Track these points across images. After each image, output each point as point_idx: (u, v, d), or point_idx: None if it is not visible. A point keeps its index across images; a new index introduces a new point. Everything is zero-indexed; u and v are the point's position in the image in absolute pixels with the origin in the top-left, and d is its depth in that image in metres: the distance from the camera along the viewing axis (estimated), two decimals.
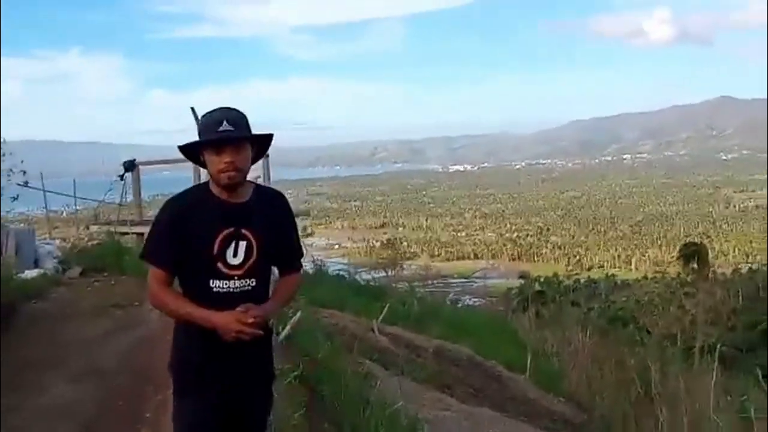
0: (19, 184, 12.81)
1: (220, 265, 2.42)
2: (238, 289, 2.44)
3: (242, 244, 2.45)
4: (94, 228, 16.13)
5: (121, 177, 14.88)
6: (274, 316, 2.70)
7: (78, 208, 18.55)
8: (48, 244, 12.72)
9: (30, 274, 10.19)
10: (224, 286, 2.43)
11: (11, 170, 11.84)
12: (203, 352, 2.47)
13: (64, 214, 20.80)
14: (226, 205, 2.47)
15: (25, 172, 12.59)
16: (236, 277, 2.44)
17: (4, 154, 11.80)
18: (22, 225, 15.60)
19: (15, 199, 12.61)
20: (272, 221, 2.54)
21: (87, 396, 5.17)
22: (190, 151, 2.51)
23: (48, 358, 6.19)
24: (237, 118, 2.42)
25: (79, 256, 12.05)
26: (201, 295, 2.43)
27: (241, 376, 2.51)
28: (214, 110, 2.45)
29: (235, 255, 2.44)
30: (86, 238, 15.20)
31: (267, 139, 2.59)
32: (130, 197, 15.35)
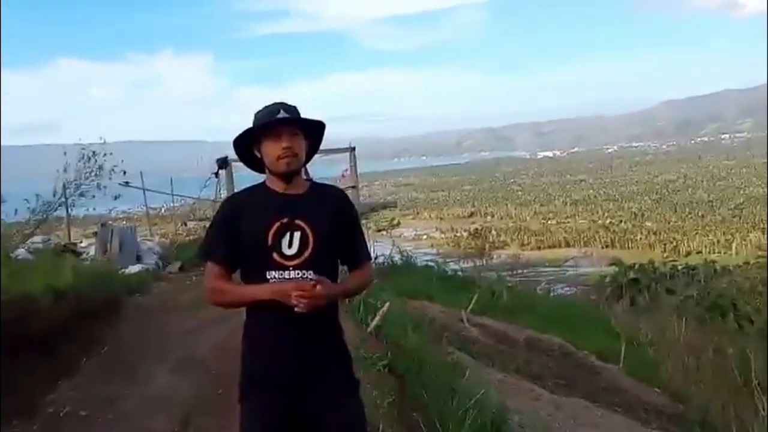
0: (120, 184, 13.44)
1: (275, 255, 2.41)
2: (295, 281, 2.38)
3: (297, 235, 2.43)
4: (191, 224, 16.79)
5: (216, 174, 15.41)
6: (339, 298, 2.55)
7: (175, 204, 19.31)
8: (149, 240, 13.32)
9: (133, 269, 10.73)
10: (280, 276, 2.41)
11: (112, 170, 12.44)
12: (271, 354, 2.45)
13: (163, 211, 21.67)
14: (281, 197, 2.49)
15: (125, 172, 13.19)
16: (291, 268, 2.41)
17: (105, 155, 12.42)
18: (124, 223, 16.36)
19: (117, 198, 13.24)
20: (328, 214, 2.51)
21: (187, 384, 5.42)
22: (243, 150, 2.55)
23: (151, 349, 6.52)
24: (292, 108, 2.48)
25: (177, 251, 12.59)
26: None
27: (313, 378, 2.45)
28: (270, 104, 2.49)
29: (290, 245, 2.42)
30: (184, 234, 15.84)
31: (320, 130, 2.58)
32: (224, 193, 15.87)
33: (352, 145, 16.65)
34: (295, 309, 2.33)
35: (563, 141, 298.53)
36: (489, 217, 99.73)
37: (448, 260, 29.44)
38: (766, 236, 57.78)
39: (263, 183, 2.56)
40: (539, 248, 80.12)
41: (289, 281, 2.39)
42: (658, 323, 12.77)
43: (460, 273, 19.30)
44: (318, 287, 2.33)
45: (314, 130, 2.57)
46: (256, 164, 2.57)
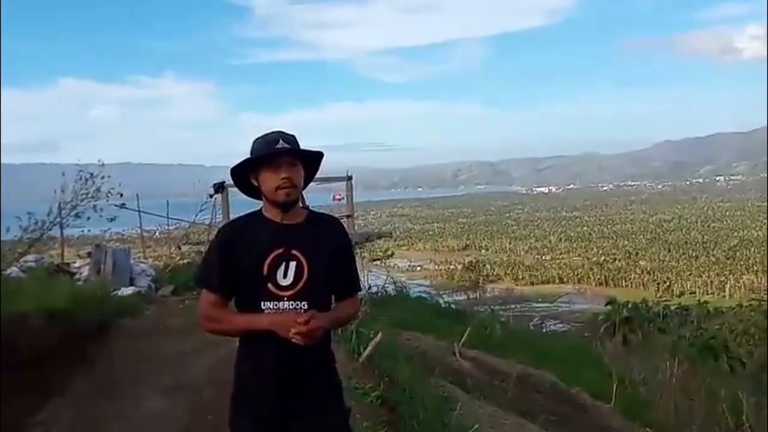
0: (116, 206, 13.44)
1: (270, 285, 2.42)
2: (288, 311, 2.41)
3: (292, 265, 2.43)
4: (185, 247, 16.73)
5: (212, 197, 15.39)
6: (331, 328, 2.56)
7: (170, 228, 19.26)
8: (143, 263, 13.26)
9: (125, 291, 10.68)
10: (274, 307, 2.41)
11: (109, 192, 12.45)
12: (262, 380, 2.46)
13: (158, 234, 21.62)
14: (277, 227, 2.48)
15: (122, 194, 13.20)
16: (286, 298, 2.42)
17: (103, 177, 12.45)
18: (118, 244, 16.31)
19: (113, 220, 13.22)
20: (324, 245, 2.52)
21: (177, 408, 5.37)
22: (240, 177, 2.55)
23: (141, 372, 6.47)
24: (291, 138, 2.48)
25: (171, 275, 12.54)
26: None
27: (304, 406, 2.47)
28: (269, 133, 2.49)
29: (285, 276, 2.42)
30: (178, 257, 15.78)
31: (317, 159, 2.58)
32: (220, 217, 15.85)
33: (350, 174, 16.69)
34: (293, 340, 2.33)
35: (560, 177, 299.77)
36: (483, 251, 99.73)
37: (441, 292, 29.35)
38: (766, 276, 57.60)
39: (260, 211, 2.56)
40: (533, 283, 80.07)
41: (284, 313, 2.40)
42: (651, 363, 12.72)
43: (453, 306, 19.24)
44: (312, 322, 2.32)
45: (312, 159, 2.57)
46: (252, 192, 2.57)
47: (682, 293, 70.44)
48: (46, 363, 5.77)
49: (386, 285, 16.73)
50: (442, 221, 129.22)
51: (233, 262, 2.45)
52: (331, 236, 2.58)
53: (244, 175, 2.54)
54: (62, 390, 5.64)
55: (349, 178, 16.57)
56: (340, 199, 16.45)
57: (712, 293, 69.73)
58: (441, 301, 20.14)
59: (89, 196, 12.13)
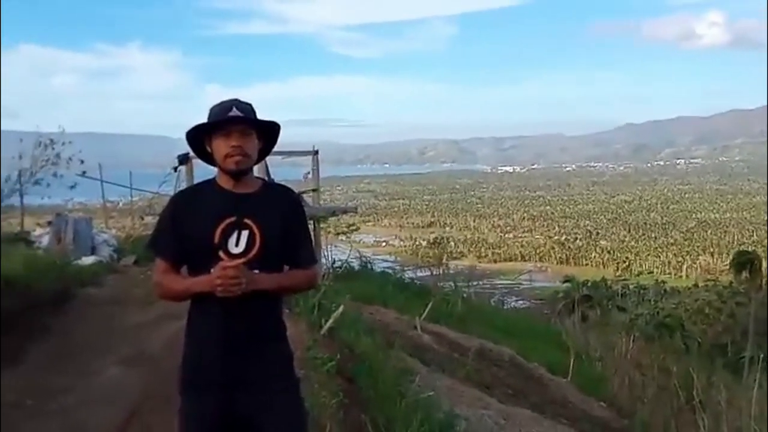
0: (77, 174, 13.21)
1: (221, 254, 2.38)
2: None
3: (244, 234, 2.40)
4: (148, 218, 16.53)
5: (176, 169, 15.21)
6: (263, 286, 2.40)
7: (133, 198, 19.01)
8: (104, 233, 13.09)
9: (86, 260, 10.54)
10: None
11: (70, 159, 12.22)
12: (209, 348, 2.43)
13: (120, 204, 21.29)
14: (230, 195, 2.46)
15: (83, 162, 12.98)
16: None
17: (63, 144, 12.21)
18: (80, 214, 16.05)
19: (73, 187, 13.01)
20: (278, 215, 2.48)
21: (135, 379, 5.36)
22: (196, 144, 2.52)
23: (100, 342, 6.43)
24: (246, 107, 2.46)
25: (133, 245, 12.41)
26: None
27: (250, 376, 2.44)
28: (226, 100, 2.47)
29: (237, 244, 2.40)
30: (141, 228, 15.59)
31: (274, 131, 2.57)
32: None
33: (316, 149, 16.62)
34: (218, 293, 2.31)
35: (524, 157, 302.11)
36: (448, 228, 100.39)
37: (405, 268, 29.53)
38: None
39: (213, 179, 2.53)
40: (495, 261, 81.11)
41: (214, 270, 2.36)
42: (608, 339, 13.03)
43: (416, 281, 19.39)
44: (231, 270, 2.30)
45: (268, 130, 2.55)
46: (209, 158, 2.54)
47: (640, 273, 71.96)
48: (3, 331, 5.70)
49: (350, 259, 16.77)
50: (408, 198, 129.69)
51: (184, 229, 2.44)
52: (285, 206, 2.55)
53: (200, 140, 2.52)
54: (20, 359, 5.59)
55: (315, 153, 16.49)
56: (307, 179, 16.38)
57: (669, 273, 71.35)
58: (405, 276, 20.29)
59: (49, 162, 11.90)
